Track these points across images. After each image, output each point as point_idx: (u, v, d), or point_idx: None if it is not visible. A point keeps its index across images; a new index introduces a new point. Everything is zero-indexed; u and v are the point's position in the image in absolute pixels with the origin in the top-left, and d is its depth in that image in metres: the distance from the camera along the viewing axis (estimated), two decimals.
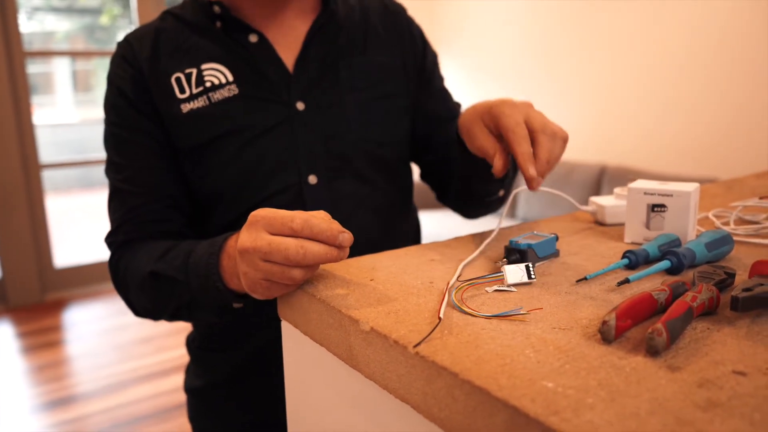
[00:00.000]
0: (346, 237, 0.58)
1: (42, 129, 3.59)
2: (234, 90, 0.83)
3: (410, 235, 0.97)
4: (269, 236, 0.56)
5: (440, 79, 1.02)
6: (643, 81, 3.20)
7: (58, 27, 8.34)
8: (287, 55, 0.86)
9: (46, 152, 3.60)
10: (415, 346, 0.46)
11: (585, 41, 3.46)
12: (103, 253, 4.22)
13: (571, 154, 3.61)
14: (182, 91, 0.83)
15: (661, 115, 3.14)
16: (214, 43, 0.85)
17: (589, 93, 3.49)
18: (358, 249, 0.82)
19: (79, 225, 6.26)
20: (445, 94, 1.02)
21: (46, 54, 8.05)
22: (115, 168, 0.86)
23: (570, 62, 3.56)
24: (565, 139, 0.69)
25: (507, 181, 0.90)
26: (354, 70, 0.88)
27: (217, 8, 0.84)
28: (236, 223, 0.84)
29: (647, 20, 3.13)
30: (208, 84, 0.83)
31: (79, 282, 3.76)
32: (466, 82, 4.19)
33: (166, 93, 0.83)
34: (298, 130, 0.84)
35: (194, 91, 0.83)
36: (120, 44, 0.88)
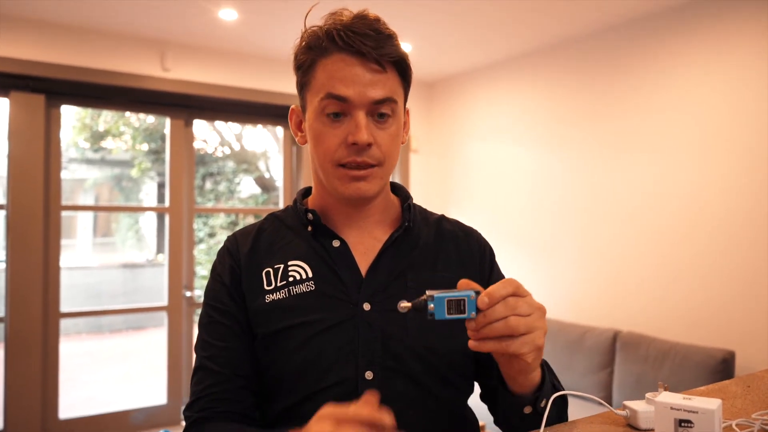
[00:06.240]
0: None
1: (62, 272, 3.69)
2: (311, 286, 0.94)
3: None
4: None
5: None
6: (656, 248, 3.32)
7: (89, 175, 8.83)
8: (362, 259, 0.97)
9: (62, 297, 3.67)
10: None
11: (597, 207, 3.64)
12: (109, 405, 4.14)
13: (584, 318, 3.65)
14: (269, 283, 0.95)
15: (673, 283, 3.22)
16: (302, 243, 0.98)
17: (602, 258, 3.61)
18: None
19: (86, 372, 6.18)
20: None
21: (80, 208, 8.45)
22: (203, 345, 0.96)
23: (583, 227, 3.72)
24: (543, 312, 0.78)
25: (539, 401, 0.88)
26: (419, 282, 0.96)
27: (310, 215, 0.98)
28: (294, 409, 0.91)
29: (658, 188, 3.31)
30: (291, 278, 0.95)
31: None
32: None
33: (255, 284, 0.95)
34: (361, 328, 0.92)
35: (278, 284, 0.95)
36: (228, 238, 1.03)
